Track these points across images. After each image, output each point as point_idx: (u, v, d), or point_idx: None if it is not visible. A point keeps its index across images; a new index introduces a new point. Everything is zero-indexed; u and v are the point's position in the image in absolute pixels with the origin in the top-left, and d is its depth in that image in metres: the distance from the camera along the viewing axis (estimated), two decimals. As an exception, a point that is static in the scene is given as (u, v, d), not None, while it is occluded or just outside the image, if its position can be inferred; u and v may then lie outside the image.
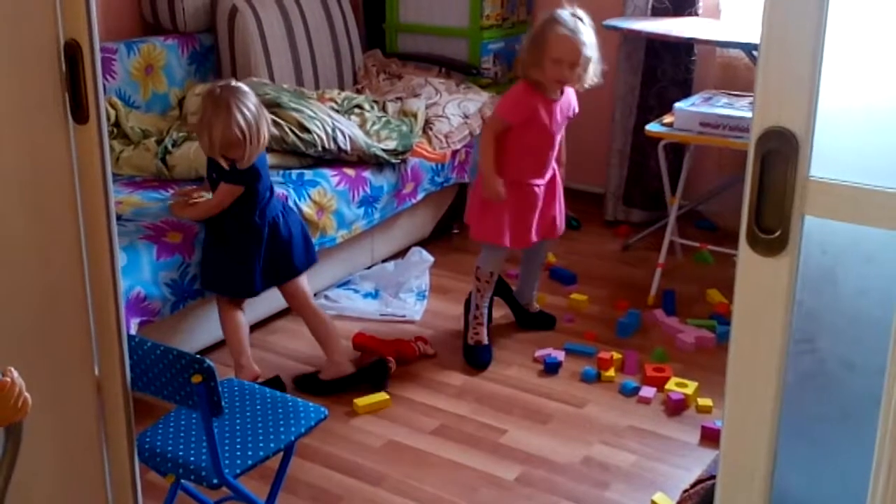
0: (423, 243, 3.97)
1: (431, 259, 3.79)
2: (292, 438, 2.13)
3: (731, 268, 1.34)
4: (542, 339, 3.35)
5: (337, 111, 3.74)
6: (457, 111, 4.07)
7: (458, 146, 3.99)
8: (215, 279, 2.94)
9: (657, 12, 4.14)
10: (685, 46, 4.08)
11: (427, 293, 3.67)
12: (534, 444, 2.75)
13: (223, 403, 1.93)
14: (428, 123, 3.97)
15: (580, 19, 2.95)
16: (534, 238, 3.17)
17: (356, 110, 3.85)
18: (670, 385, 2.99)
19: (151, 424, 2.16)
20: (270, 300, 3.19)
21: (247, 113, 2.75)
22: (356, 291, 3.66)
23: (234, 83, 2.84)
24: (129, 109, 3.66)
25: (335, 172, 3.49)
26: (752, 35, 3.50)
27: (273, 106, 3.44)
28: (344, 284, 3.70)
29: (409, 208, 3.84)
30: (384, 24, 4.68)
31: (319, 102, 3.72)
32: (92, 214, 1.66)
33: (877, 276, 1.23)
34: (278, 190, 3.12)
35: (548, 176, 3.15)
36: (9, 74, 1.53)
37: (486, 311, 3.25)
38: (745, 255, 1.22)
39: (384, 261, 3.87)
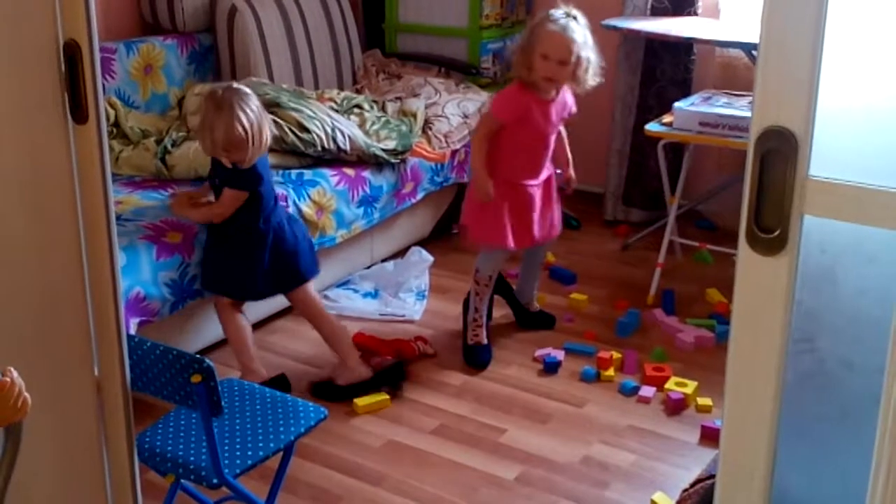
0: (423, 243, 3.97)
1: (431, 259, 3.79)
2: (292, 438, 2.13)
3: (730, 267, 1.34)
4: (542, 338, 3.35)
5: (336, 111, 3.74)
6: (456, 111, 4.07)
7: (458, 146, 3.99)
8: (216, 279, 2.94)
9: (656, 12, 4.14)
10: (684, 46, 4.08)
11: (427, 293, 3.67)
12: (533, 444, 2.75)
13: (223, 403, 1.93)
14: (427, 123, 3.97)
15: (573, 18, 2.95)
16: (536, 236, 3.17)
17: (355, 110, 3.85)
18: (670, 384, 2.99)
19: (151, 424, 2.16)
20: (270, 300, 3.19)
21: (249, 113, 2.75)
22: (356, 291, 3.66)
23: (235, 85, 2.84)
24: (128, 109, 3.66)
25: (335, 172, 3.49)
26: (752, 34, 3.50)
27: (272, 106, 3.44)
28: (343, 284, 3.70)
29: (408, 208, 3.84)
30: (383, 23, 4.68)
31: (319, 102, 3.72)
32: (92, 214, 1.66)
33: (876, 276, 1.23)
34: (278, 190, 3.12)
35: (542, 177, 3.15)
36: (8, 74, 1.53)
37: (485, 312, 3.25)
38: (744, 254, 1.22)
39: (384, 260, 3.87)
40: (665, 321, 3.42)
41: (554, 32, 2.92)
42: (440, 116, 4.01)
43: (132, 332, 2.68)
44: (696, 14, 4.11)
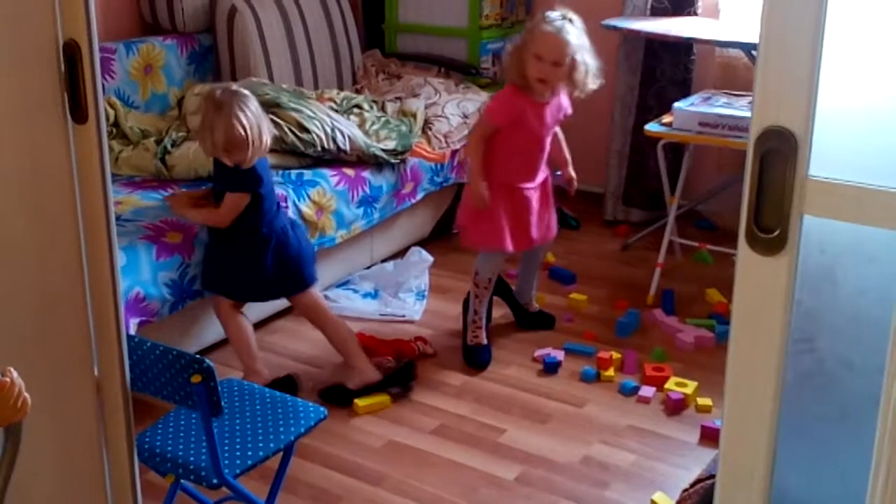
0: (423, 243, 3.97)
1: (431, 259, 3.79)
2: (292, 438, 2.13)
3: (730, 267, 1.34)
4: (542, 338, 3.35)
5: (336, 111, 3.74)
6: (456, 111, 4.07)
7: (458, 146, 3.98)
8: (216, 279, 2.93)
9: (656, 12, 4.14)
10: (684, 46, 4.08)
11: (426, 293, 3.67)
12: (533, 444, 2.75)
13: (223, 403, 1.93)
14: (427, 123, 3.98)
15: (569, 20, 2.95)
16: (534, 238, 3.17)
17: (355, 110, 3.85)
18: (670, 384, 2.99)
19: (151, 424, 2.16)
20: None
21: (249, 114, 2.75)
22: (355, 291, 3.66)
23: (234, 87, 2.85)
24: (128, 109, 3.66)
25: (334, 172, 3.49)
26: (752, 35, 3.50)
27: (272, 106, 3.44)
28: (343, 284, 3.70)
29: (408, 208, 3.84)
30: (383, 24, 4.68)
31: (318, 102, 3.72)
32: (91, 214, 1.66)
33: (876, 276, 1.23)
34: (278, 190, 3.12)
35: (538, 179, 3.14)
36: (8, 74, 1.53)
37: (484, 313, 3.25)
38: (744, 254, 1.22)
39: (383, 261, 3.87)
40: (665, 321, 3.42)
41: (548, 33, 2.92)
42: (440, 116, 4.01)
43: (132, 332, 2.68)
44: (695, 14, 4.11)
